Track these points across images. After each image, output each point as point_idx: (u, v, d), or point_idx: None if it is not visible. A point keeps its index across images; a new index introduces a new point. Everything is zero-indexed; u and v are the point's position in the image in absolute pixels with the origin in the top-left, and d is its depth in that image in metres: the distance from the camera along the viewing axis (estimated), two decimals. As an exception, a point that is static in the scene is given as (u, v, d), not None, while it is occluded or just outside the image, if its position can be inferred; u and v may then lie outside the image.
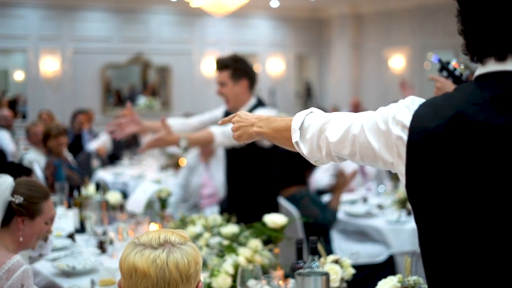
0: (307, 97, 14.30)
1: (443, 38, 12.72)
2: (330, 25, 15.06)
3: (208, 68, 14.04)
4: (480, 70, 1.56)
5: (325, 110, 1.95)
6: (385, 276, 4.59)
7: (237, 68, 4.32)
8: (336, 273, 2.83)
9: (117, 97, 14.59)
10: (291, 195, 4.69)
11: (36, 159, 7.03)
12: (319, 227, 4.54)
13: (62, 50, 12.58)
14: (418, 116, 1.58)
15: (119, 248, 3.54)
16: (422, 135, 1.54)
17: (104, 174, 7.61)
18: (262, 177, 4.17)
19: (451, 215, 1.53)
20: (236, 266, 3.02)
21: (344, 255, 4.54)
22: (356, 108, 12.29)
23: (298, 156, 4.60)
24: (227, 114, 4.45)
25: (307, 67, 16.19)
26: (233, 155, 4.24)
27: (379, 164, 1.69)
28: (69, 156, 7.38)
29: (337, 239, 4.85)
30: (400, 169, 1.63)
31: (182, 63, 13.64)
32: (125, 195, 6.70)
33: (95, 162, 8.20)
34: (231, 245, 3.31)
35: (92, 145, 8.80)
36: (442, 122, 1.52)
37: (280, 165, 4.83)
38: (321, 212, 4.59)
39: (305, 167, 4.79)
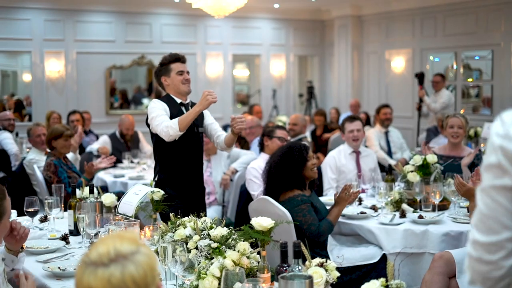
0: (309, 98, 14.32)
1: (443, 40, 12.74)
2: (332, 27, 15.09)
3: (211, 69, 14.09)
4: None
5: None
6: (378, 277, 4.64)
7: None
8: (321, 277, 2.87)
9: (123, 99, 14.69)
10: (291, 197, 4.72)
11: (36, 159, 7.09)
12: (310, 235, 4.58)
13: (66, 52, 12.65)
14: None
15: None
16: None
17: (104, 176, 7.66)
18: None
19: None
20: (223, 269, 3.05)
21: (339, 259, 4.62)
22: (356, 109, 12.32)
23: (296, 161, 4.66)
24: (180, 104, 4.95)
25: (309, 69, 16.24)
26: None
27: None
28: (76, 157, 7.45)
29: (330, 241, 4.88)
30: None
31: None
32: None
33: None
34: (220, 248, 3.35)
35: (94, 146, 8.85)
36: None
37: (278, 170, 4.87)
38: (316, 223, 4.63)
39: (300, 168, 4.81)
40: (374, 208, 5.24)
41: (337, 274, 2.91)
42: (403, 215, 4.99)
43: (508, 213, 1.61)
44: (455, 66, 12.69)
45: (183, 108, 4.92)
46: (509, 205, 1.60)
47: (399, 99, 13.68)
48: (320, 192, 6.38)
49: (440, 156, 5.71)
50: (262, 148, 6.04)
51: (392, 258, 4.67)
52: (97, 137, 9.92)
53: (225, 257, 3.16)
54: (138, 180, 7.17)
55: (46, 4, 12.42)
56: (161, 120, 4.71)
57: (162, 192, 4.31)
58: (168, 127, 4.64)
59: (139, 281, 1.64)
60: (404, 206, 5.13)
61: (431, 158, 5.42)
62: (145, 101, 14.47)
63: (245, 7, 12.66)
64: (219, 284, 3.01)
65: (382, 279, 2.68)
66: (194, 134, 4.92)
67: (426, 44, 13.09)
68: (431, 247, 4.60)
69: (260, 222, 3.25)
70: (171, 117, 4.78)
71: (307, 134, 10.31)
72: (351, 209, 5.27)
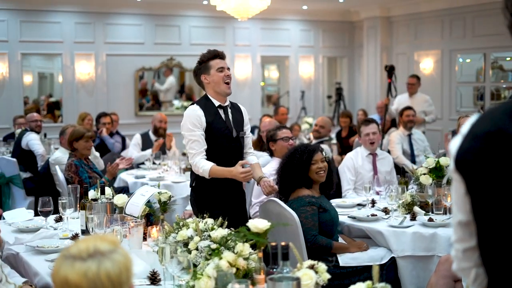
0: (337, 100, 14.30)
1: (471, 41, 12.62)
2: (361, 28, 15.05)
3: (240, 71, 14.16)
4: None
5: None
6: (386, 279, 4.66)
7: None
8: (311, 278, 2.90)
9: (154, 100, 14.87)
10: (300, 197, 4.78)
11: (62, 157, 7.21)
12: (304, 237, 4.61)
13: (96, 55, 12.86)
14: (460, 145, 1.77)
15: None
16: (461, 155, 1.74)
17: (126, 176, 7.79)
18: None
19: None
20: (218, 270, 3.11)
21: (345, 260, 4.64)
22: (383, 110, 12.25)
23: (299, 163, 4.71)
24: (218, 107, 4.74)
25: (338, 70, 16.20)
26: None
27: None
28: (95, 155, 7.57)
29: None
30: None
31: (213, 67, 13.75)
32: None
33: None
34: (219, 249, 3.40)
35: (147, 152, 8.86)
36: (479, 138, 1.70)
37: (285, 168, 4.94)
38: (315, 230, 4.66)
39: (304, 171, 4.86)
40: (385, 210, 5.23)
41: (328, 276, 2.94)
42: (413, 218, 4.99)
43: (454, 201, 1.81)
44: (484, 67, 12.57)
45: (221, 111, 4.72)
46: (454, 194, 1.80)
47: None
48: (339, 193, 6.41)
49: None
50: (271, 153, 5.98)
51: (401, 261, 4.69)
52: (123, 139, 10.06)
53: (221, 258, 3.22)
54: (159, 181, 7.26)
55: (77, 8, 12.65)
56: (194, 152, 4.57)
57: (169, 193, 4.38)
58: (199, 168, 4.53)
59: (113, 277, 1.71)
60: (416, 209, 5.13)
61: (444, 161, 5.40)
62: (176, 102, 14.63)
63: (273, 8, 12.73)
64: (216, 284, 3.06)
65: (369, 282, 2.70)
66: (234, 139, 4.75)
67: (455, 45, 12.98)
68: (440, 250, 4.60)
69: (256, 224, 3.29)
70: (208, 125, 4.62)
71: (332, 135, 10.32)
72: (363, 211, 5.28)
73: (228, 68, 4.75)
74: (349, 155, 6.66)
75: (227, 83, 4.68)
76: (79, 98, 12.79)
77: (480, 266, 1.82)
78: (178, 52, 13.55)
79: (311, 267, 2.97)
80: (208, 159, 4.60)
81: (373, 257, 4.73)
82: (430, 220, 4.85)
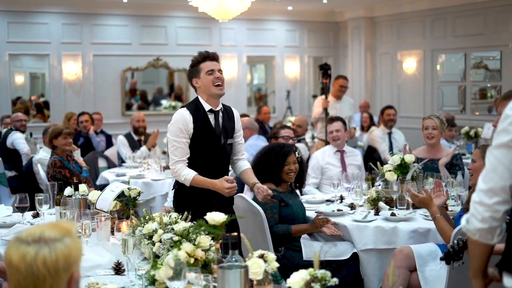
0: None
1: (452, 41, 12.83)
2: (346, 28, 15.26)
3: (226, 71, 14.34)
4: None
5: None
6: (348, 273, 4.86)
7: None
8: (260, 267, 3.09)
9: (142, 100, 15.05)
10: None
11: (45, 157, 7.37)
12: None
13: (83, 55, 13.03)
14: None
15: (84, 243, 3.86)
16: None
17: (108, 174, 7.96)
18: None
19: None
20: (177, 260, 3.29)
21: (308, 254, 4.84)
22: (366, 109, 12.47)
23: (273, 163, 4.89)
24: (208, 111, 4.62)
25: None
26: None
27: None
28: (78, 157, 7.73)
29: (305, 237, 5.09)
30: None
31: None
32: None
33: (101, 163, 8.59)
34: (181, 241, 3.59)
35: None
36: None
37: (259, 162, 5.14)
38: (273, 221, 4.86)
39: (277, 170, 5.06)
40: (352, 206, 5.43)
41: (277, 264, 3.12)
42: (377, 212, 5.18)
43: (504, 169, 2.17)
44: (465, 67, 12.78)
45: (211, 116, 4.57)
46: (505, 160, 2.17)
47: (411, 99, 13.81)
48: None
49: (416, 158, 5.83)
50: None
51: (363, 254, 4.88)
52: (108, 137, 10.20)
53: (180, 249, 3.41)
54: (139, 179, 7.45)
55: (64, 9, 12.82)
56: (176, 159, 4.48)
57: (139, 189, 4.57)
58: (181, 175, 4.45)
59: (49, 264, 1.83)
60: (381, 204, 5.33)
61: (409, 158, 5.60)
62: (164, 102, 14.80)
63: (259, 9, 12.93)
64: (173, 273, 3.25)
65: (311, 269, 2.88)
66: (220, 146, 4.59)
67: (436, 45, 13.20)
68: (400, 243, 4.78)
69: (213, 216, 3.49)
70: (195, 130, 4.50)
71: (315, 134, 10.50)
72: (330, 207, 5.48)
73: (220, 70, 4.58)
74: (316, 154, 6.91)
75: (218, 85, 4.53)
76: (66, 98, 12.96)
77: (504, 222, 2.26)
78: (164, 52, 13.73)
79: (261, 256, 3.16)
80: (191, 164, 4.52)
81: (336, 251, 4.91)
82: (393, 214, 5.04)
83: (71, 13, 12.90)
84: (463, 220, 2.35)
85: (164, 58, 13.72)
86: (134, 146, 9.09)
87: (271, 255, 3.18)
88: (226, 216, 3.51)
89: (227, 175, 4.68)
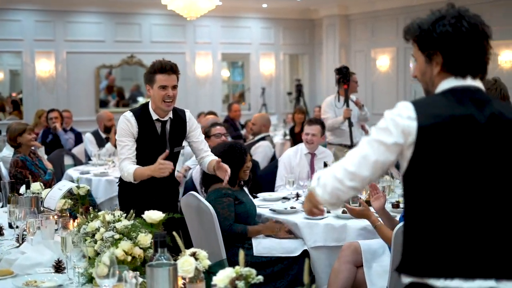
0: (297, 96, 14.54)
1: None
2: (321, 26, 15.32)
3: (200, 68, 14.36)
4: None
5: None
6: (299, 270, 4.91)
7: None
8: (191, 265, 3.13)
9: (119, 97, 15.03)
10: (217, 188, 4.99)
11: (8, 156, 7.39)
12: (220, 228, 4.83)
13: (56, 52, 13.01)
14: (418, 105, 2.23)
15: (29, 241, 3.89)
16: (431, 119, 2.18)
17: (73, 172, 7.96)
18: None
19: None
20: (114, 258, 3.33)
21: (259, 250, 4.88)
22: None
23: (235, 162, 4.91)
24: (156, 121, 4.61)
25: (300, 67, 16.45)
26: None
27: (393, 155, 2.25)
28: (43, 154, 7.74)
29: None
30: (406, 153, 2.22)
31: (174, 64, 13.90)
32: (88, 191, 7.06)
33: (67, 160, 8.59)
34: (121, 239, 3.63)
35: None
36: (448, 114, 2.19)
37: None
38: (231, 220, 4.89)
39: (237, 169, 5.08)
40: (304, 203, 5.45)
41: (208, 262, 3.16)
42: (329, 210, 5.22)
43: (374, 162, 2.24)
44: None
45: (157, 126, 4.58)
46: (379, 157, 2.23)
47: (385, 97, 13.89)
48: (272, 187, 6.66)
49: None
50: None
51: (313, 251, 4.93)
52: (78, 135, 10.18)
53: (117, 247, 3.44)
54: (102, 177, 7.46)
55: (37, 6, 12.79)
56: (123, 157, 4.48)
57: (87, 187, 4.59)
58: (124, 172, 4.45)
59: None
60: (334, 201, 5.36)
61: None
62: (140, 99, 14.80)
63: (234, 6, 12.97)
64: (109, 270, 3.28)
65: (237, 267, 2.92)
66: (169, 154, 4.45)
67: (409, 43, 13.22)
68: (349, 240, 4.82)
69: (150, 215, 3.53)
70: (140, 137, 4.52)
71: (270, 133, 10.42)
72: (284, 204, 5.52)
73: (174, 86, 4.51)
74: (289, 151, 6.88)
75: (167, 102, 4.49)
76: (39, 95, 12.94)
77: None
78: (138, 49, 13.74)
79: (193, 254, 3.20)
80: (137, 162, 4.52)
81: (287, 248, 4.95)
82: (344, 212, 5.09)
83: (44, 10, 12.88)
84: (315, 176, 2.42)
85: (138, 55, 13.73)
86: (101, 143, 9.09)
87: (203, 253, 3.21)
88: (163, 215, 3.54)
89: (174, 182, 4.82)
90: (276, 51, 15.41)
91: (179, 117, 4.69)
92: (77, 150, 9.32)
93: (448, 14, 2.33)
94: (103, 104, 14.03)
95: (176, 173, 6.94)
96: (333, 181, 2.30)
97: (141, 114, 4.55)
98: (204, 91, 14.27)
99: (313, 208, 2.61)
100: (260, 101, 15.00)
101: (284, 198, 5.92)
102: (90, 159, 8.77)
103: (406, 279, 2.27)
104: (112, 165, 8.07)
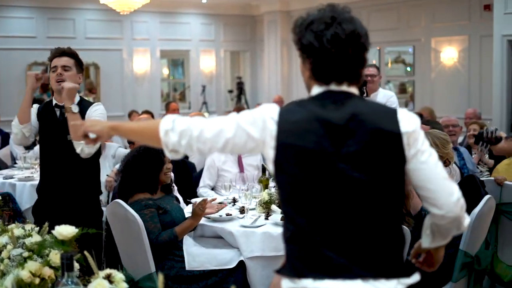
0: (239, 94, 14.24)
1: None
2: (262, 22, 15.06)
3: (139, 65, 13.91)
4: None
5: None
6: (235, 283, 4.55)
7: (80, 62, 4.74)
8: (104, 288, 2.76)
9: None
10: (136, 201, 4.60)
11: None
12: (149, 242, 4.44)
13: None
14: (283, 110, 2.26)
15: None
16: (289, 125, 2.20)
17: (-5, 177, 7.46)
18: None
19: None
20: (19, 281, 2.93)
21: (194, 262, 4.51)
22: (280, 105, 12.25)
23: (153, 164, 4.54)
24: (55, 106, 4.62)
25: (241, 64, 16.16)
26: None
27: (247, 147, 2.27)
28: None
29: (190, 245, 4.75)
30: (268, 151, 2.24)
31: (110, 61, 13.48)
32: (9, 197, 6.60)
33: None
34: (31, 257, 3.22)
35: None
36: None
37: (131, 171, 4.75)
38: (156, 231, 4.50)
39: (156, 172, 4.71)
40: (242, 210, 5.11)
41: (125, 285, 2.79)
42: (267, 217, 4.90)
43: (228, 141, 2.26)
44: (377, 61, 12.76)
45: (57, 110, 4.59)
46: (236, 140, 2.25)
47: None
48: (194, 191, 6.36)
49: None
50: None
51: (249, 262, 4.59)
52: (5, 136, 9.69)
53: (23, 268, 3.04)
54: (27, 182, 6.99)
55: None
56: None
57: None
58: (12, 127, 4.58)
59: None
60: (274, 207, 5.04)
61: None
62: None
63: (173, 2, 12.57)
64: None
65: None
66: (67, 141, 4.41)
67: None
68: (288, 249, 4.51)
69: (60, 230, 3.12)
70: (41, 122, 4.65)
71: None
72: (221, 211, 5.16)
73: (64, 66, 4.57)
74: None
75: (59, 81, 4.52)
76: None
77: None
78: (72, 46, 12.91)
79: (107, 276, 2.82)
80: (41, 157, 4.70)
81: (221, 260, 4.60)
82: (283, 219, 4.76)
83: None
84: (170, 118, 2.35)
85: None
86: (30, 145, 8.58)
87: (119, 275, 2.84)
88: (76, 230, 3.15)
89: (74, 170, 4.58)
90: (216, 47, 15.06)
91: (83, 106, 4.56)
92: (3, 153, 8.77)
93: (318, 19, 2.28)
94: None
95: (106, 177, 6.59)
96: (189, 138, 2.29)
97: (46, 103, 4.74)
98: (142, 90, 13.80)
99: None
100: (200, 99, 14.62)
101: (220, 203, 5.57)
102: (16, 162, 8.26)
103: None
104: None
